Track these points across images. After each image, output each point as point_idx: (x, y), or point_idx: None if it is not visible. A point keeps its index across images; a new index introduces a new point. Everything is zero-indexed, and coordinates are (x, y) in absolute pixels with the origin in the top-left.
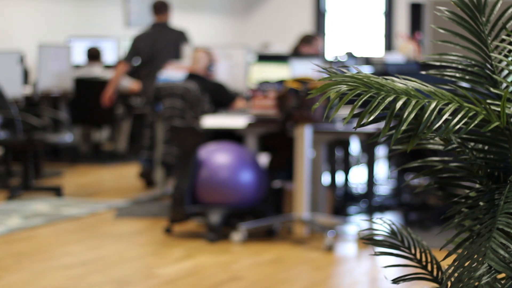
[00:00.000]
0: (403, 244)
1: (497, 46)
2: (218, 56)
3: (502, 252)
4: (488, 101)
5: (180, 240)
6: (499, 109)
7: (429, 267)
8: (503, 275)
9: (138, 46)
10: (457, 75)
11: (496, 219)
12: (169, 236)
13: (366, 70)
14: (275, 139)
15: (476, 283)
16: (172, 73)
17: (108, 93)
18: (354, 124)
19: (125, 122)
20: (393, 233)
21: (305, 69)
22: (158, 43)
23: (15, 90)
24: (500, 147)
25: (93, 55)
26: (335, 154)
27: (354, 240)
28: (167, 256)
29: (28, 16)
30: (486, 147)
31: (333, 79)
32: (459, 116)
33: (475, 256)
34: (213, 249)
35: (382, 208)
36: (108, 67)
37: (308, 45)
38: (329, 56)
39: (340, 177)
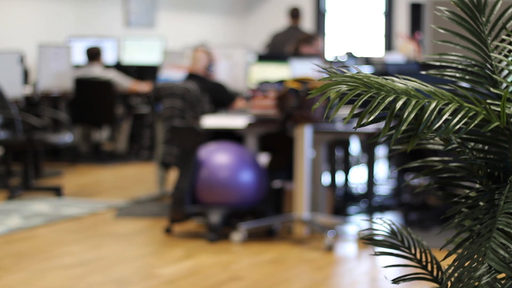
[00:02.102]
0: (403, 244)
1: (497, 46)
2: (218, 56)
3: (502, 252)
4: (488, 101)
5: (180, 240)
6: (499, 109)
7: (429, 267)
8: (503, 275)
9: (273, 41)
10: (457, 75)
11: (496, 219)
12: (169, 236)
13: (366, 70)
14: (275, 139)
15: (476, 283)
16: (172, 73)
17: None
18: (354, 124)
19: (125, 122)
20: (393, 233)
21: (305, 69)
22: (288, 42)
23: (15, 90)
24: (500, 147)
25: (92, 54)
26: (335, 154)
27: (354, 240)
28: (167, 256)
29: (28, 16)
30: (486, 147)
31: (333, 79)
32: (459, 116)
33: (475, 256)
34: (213, 249)
35: (382, 208)
36: (108, 67)
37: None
38: (329, 56)
39: (340, 177)
